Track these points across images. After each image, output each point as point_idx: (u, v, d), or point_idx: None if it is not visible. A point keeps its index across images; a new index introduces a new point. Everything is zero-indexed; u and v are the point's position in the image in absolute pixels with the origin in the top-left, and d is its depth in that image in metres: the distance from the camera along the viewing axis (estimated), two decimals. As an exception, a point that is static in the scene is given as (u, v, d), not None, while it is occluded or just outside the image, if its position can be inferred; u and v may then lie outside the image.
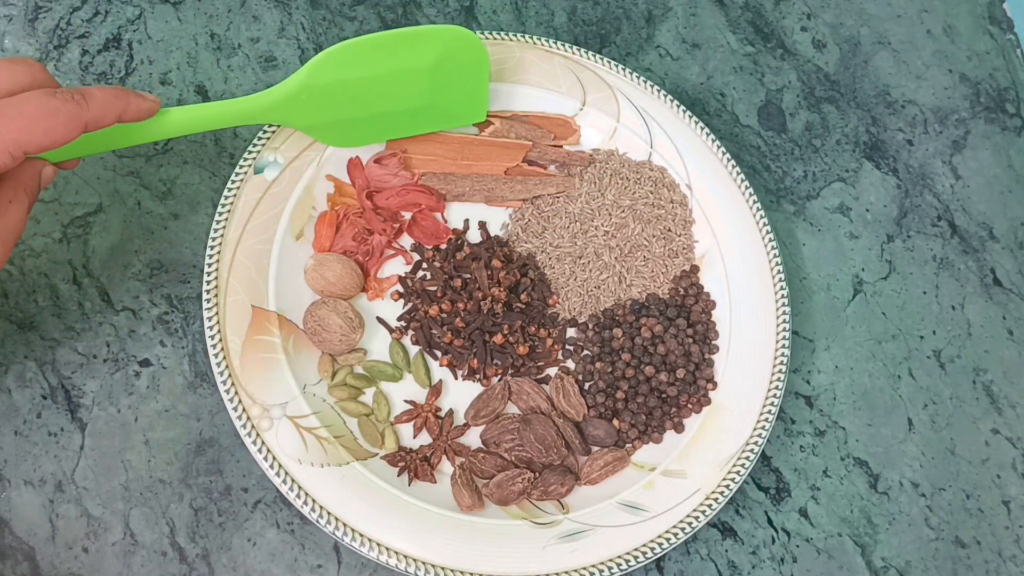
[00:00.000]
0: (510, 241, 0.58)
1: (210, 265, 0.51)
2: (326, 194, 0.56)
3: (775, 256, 0.57)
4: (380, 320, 0.54)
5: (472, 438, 0.52)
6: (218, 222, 0.53)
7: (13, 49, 0.59)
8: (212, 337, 0.50)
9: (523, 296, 0.55)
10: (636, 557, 0.48)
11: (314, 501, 0.47)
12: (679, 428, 0.53)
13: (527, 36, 0.61)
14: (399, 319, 0.55)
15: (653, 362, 0.54)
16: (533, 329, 0.55)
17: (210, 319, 0.50)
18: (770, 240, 0.57)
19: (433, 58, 0.53)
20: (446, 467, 0.51)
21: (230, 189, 0.53)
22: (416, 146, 0.58)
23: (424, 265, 0.56)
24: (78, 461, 0.50)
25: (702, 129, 0.60)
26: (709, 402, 0.54)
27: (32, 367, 0.51)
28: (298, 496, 0.47)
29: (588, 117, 0.61)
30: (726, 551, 0.53)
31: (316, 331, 0.51)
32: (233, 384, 0.49)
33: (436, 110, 0.55)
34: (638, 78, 0.61)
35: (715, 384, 0.54)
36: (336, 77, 0.51)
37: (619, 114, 0.60)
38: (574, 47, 0.61)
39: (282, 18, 0.63)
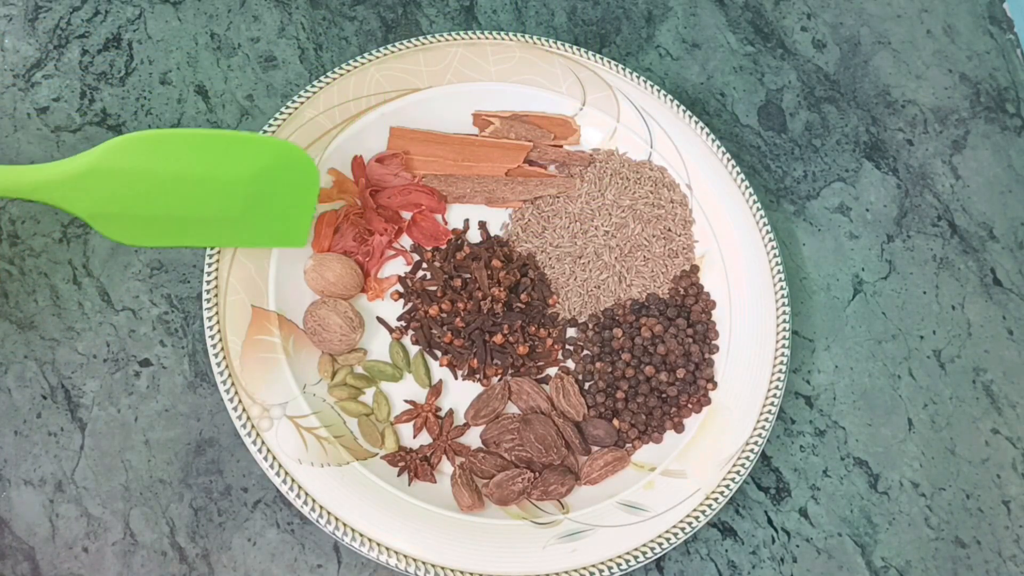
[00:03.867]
0: (510, 241, 0.58)
1: (210, 265, 0.51)
2: (320, 188, 0.56)
3: (775, 256, 0.57)
4: (380, 320, 0.54)
5: (472, 438, 0.52)
6: (218, 222, 0.53)
7: (13, 49, 0.59)
8: (212, 337, 0.50)
9: (523, 296, 0.55)
10: (636, 557, 0.48)
11: (314, 501, 0.47)
12: (679, 428, 0.53)
13: (527, 36, 0.61)
14: (399, 319, 0.55)
15: (653, 362, 0.54)
16: (533, 329, 0.55)
17: (210, 319, 0.50)
18: (770, 240, 0.57)
19: (254, 170, 0.46)
20: (446, 467, 0.51)
21: (230, 189, 0.53)
22: (417, 147, 0.58)
23: (424, 265, 0.56)
24: (78, 461, 0.50)
25: (702, 129, 0.60)
26: (709, 402, 0.54)
27: (32, 367, 0.51)
28: (298, 496, 0.47)
29: (588, 117, 0.61)
30: (726, 551, 0.53)
31: (316, 331, 0.51)
32: (233, 384, 0.49)
33: (246, 225, 0.48)
34: (638, 78, 0.61)
35: (715, 384, 0.54)
36: (134, 166, 0.42)
37: (619, 114, 0.60)
38: (574, 47, 0.61)
39: (282, 18, 0.63)
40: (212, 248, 0.49)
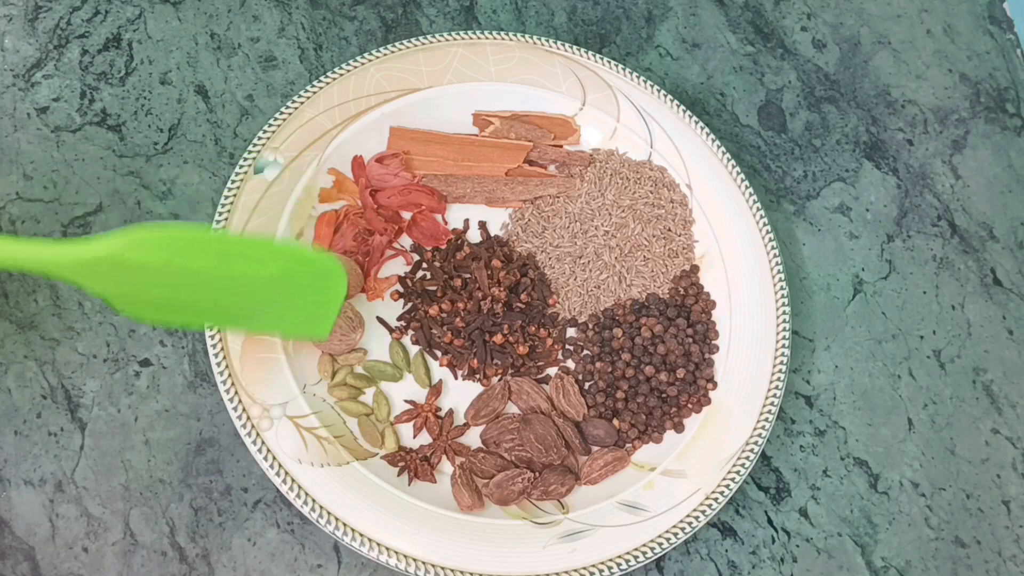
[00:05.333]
0: (510, 241, 0.58)
1: (210, 265, 0.51)
2: (320, 188, 0.56)
3: (775, 256, 0.57)
4: (380, 320, 0.54)
5: (472, 438, 0.52)
6: (218, 222, 0.53)
7: (13, 49, 0.59)
8: (212, 337, 0.50)
9: (523, 296, 0.55)
10: (636, 557, 0.48)
11: (314, 501, 0.47)
12: (679, 428, 0.53)
13: (527, 36, 0.61)
14: (399, 319, 0.55)
15: (653, 362, 0.54)
16: (533, 329, 0.55)
17: (210, 319, 0.50)
18: (770, 240, 0.57)
19: (278, 271, 0.44)
20: (446, 467, 0.51)
21: (230, 189, 0.53)
22: (417, 147, 0.58)
23: (424, 265, 0.56)
24: (78, 461, 0.50)
25: (702, 129, 0.60)
26: (709, 402, 0.54)
27: (32, 367, 0.51)
28: (298, 496, 0.47)
29: (588, 117, 0.61)
30: (726, 551, 0.53)
31: (316, 331, 0.51)
32: (233, 384, 0.49)
33: (267, 316, 0.46)
34: (638, 78, 0.61)
35: (715, 384, 0.54)
36: (153, 260, 0.41)
37: (619, 114, 0.60)
38: (574, 47, 0.61)
39: (282, 18, 0.63)
40: (199, 327, 0.47)
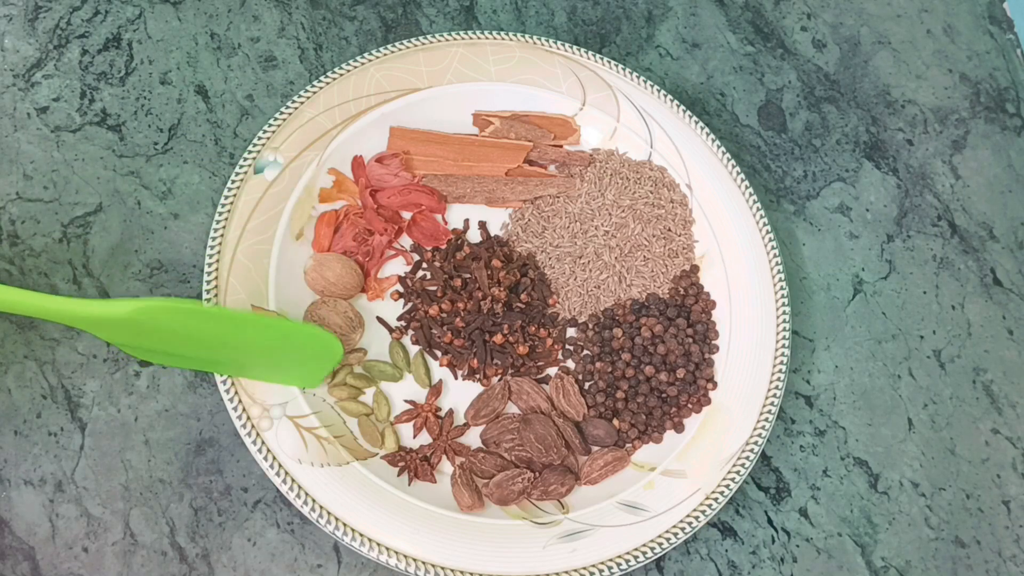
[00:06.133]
0: (510, 241, 0.58)
1: (210, 265, 0.51)
2: (320, 188, 0.56)
3: (775, 256, 0.57)
4: (380, 320, 0.54)
5: (472, 438, 0.52)
6: (218, 222, 0.53)
7: (13, 49, 0.59)
8: (212, 337, 0.50)
9: (523, 296, 0.55)
10: (636, 557, 0.48)
11: (314, 501, 0.47)
12: (679, 428, 0.53)
13: (527, 36, 0.61)
14: (399, 319, 0.55)
15: (653, 362, 0.54)
16: (533, 329, 0.55)
17: (210, 319, 0.50)
18: (770, 240, 0.57)
19: (281, 339, 0.49)
20: (446, 467, 0.51)
21: (230, 189, 0.54)
22: (417, 147, 0.58)
23: (424, 265, 0.56)
24: (78, 461, 0.50)
25: (702, 129, 0.60)
26: (709, 402, 0.54)
27: (32, 367, 0.51)
28: (298, 496, 0.47)
29: (588, 117, 0.61)
30: (726, 551, 0.53)
31: (316, 331, 0.51)
32: (233, 384, 0.49)
33: (265, 369, 0.50)
34: (638, 78, 0.61)
35: (715, 384, 0.54)
36: (167, 325, 0.46)
37: (619, 114, 0.60)
38: (574, 47, 0.61)
39: (282, 18, 0.63)
40: (212, 372, 0.51)
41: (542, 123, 0.60)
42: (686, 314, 0.56)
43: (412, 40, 0.60)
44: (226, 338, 0.47)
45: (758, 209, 0.58)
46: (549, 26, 0.67)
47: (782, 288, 0.56)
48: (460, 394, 0.53)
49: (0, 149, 0.56)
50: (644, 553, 0.48)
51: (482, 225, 0.58)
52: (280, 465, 0.48)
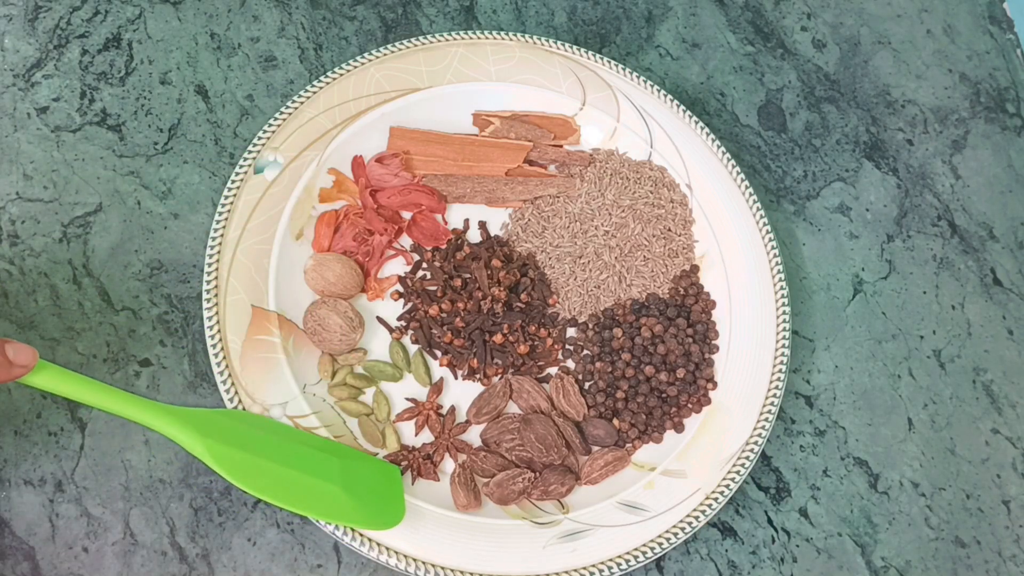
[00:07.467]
0: (510, 241, 0.58)
1: (210, 265, 0.51)
2: (320, 188, 0.56)
3: (775, 256, 0.57)
4: (380, 320, 0.54)
5: (473, 436, 0.52)
6: (218, 222, 0.53)
7: (13, 49, 0.59)
8: (212, 337, 0.50)
9: (523, 296, 0.55)
10: (636, 557, 0.48)
11: (314, 501, 0.47)
12: (679, 428, 0.53)
13: (527, 36, 0.61)
14: (399, 319, 0.55)
15: (653, 362, 0.54)
16: (533, 329, 0.55)
17: (210, 319, 0.50)
18: (770, 240, 0.57)
19: (342, 460, 0.49)
20: (448, 466, 0.51)
21: (230, 189, 0.54)
22: (417, 147, 0.58)
23: (424, 265, 0.56)
24: (78, 461, 0.49)
25: (702, 129, 0.60)
26: (709, 402, 0.54)
27: (32, 367, 0.51)
28: (298, 496, 0.47)
29: (588, 117, 0.61)
30: (726, 551, 0.53)
31: (316, 331, 0.51)
32: (233, 384, 0.49)
33: (346, 501, 0.47)
34: (638, 78, 0.61)
35: (715, 384, 0.54)
36: (240, 426, 0.47)
37: (619, 114, 0.60)
38: (574, 47, 0.61)
39: (282, 18, 0.63)
40: (318, 520, 0.48)
41: (542, 123, 0.60)
42: (686, 314, 0.56)
43: (412, 40, 0.60)
44: (297, 455, 0.47)
45: (758, 209, 0.58)
46: (549, 26, 0.67)
47: (782, 288, 0.56)
48: (461, 392, 0.53)
49: (0, 149, 0.56)
50: (644, 553, 0.48)
51: (482, 225, 0.58)
52: (280, 465, 0.48)
